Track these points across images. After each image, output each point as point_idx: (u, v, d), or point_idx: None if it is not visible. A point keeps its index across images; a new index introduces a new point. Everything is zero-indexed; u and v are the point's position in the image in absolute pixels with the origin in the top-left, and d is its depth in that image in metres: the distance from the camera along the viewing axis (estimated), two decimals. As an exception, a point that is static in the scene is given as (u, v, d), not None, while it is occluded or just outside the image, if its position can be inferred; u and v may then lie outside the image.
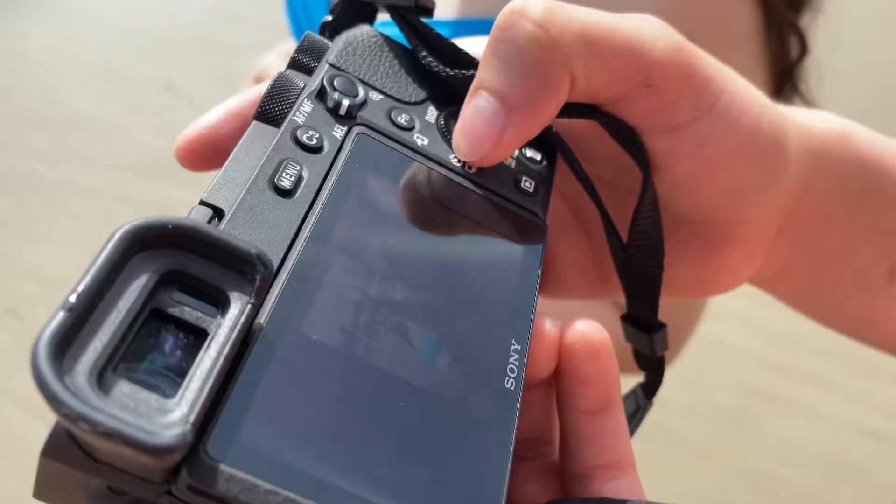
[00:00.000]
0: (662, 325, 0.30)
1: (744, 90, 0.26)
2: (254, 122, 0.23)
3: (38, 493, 0.17)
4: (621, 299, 0.31)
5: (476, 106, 0.24)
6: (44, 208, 1.06)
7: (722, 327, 0.84)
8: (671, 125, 0.25)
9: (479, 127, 0.24)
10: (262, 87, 0.25)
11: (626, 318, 0.30)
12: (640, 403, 0.32)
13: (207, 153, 0.26)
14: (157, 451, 0.14)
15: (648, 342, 0.30)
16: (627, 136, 0.26)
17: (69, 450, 0.15)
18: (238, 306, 0.16)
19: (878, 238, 0.31)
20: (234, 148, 0.25)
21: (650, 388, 0.32)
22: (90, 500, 0.16)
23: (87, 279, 0.15)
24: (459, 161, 0.24)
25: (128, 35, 1.28)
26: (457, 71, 0.26)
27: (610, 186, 0.28)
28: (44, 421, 0.66)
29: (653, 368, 0.31)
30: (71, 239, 1.02)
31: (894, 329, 0.34)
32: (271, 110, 0.23)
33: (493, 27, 0.24)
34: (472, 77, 0.25)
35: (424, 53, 0.26)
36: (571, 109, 0.25)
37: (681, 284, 0.29)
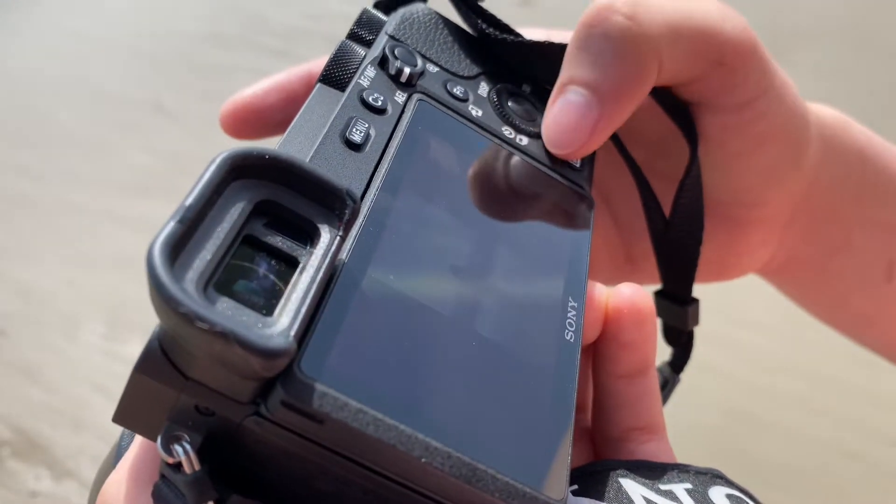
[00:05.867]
0: (696, 300, 0.30)
1: (784, 74, 0.28)
2: (318, 85, 0.24)
3: (119, 417, 0.17)
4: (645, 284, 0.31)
5: (567, 100, 0.25)
6: (29, 225, 1.05)
7: (704, 349, 0.84)
8: (738, 103, 0.27)
9: (573, 119, 0.24)
10: (309, 65, 0.27)
11: (659, 294, 0.31)
12: (667, 378, 0.33)
13: (250, 120, 0.28)
14: (269, 353, 0.14)
15: (682, 315, 0.31)
16: (680, 111, 0.27)
17: (162, 366, 0.16)
18: (328, 238, 0.17)
19: (877, 233, 0.32)
20: (277, 119, 0.27)
21: (678, 362, 0.33)
22: (174, 421, 0.16)
23: (195, 194, 0.15)
24: (511, 133, 0.26)
25: (116, 55, 1.29)
26: (510, 36, 0.28)
27: (645, 171, 0.29)
28: (28, 439, 0.65)
29: (682, 344, 0.32)
30: (56, 256, 1.01)
31: (893, 329, 0.35)
32: (336, 74, 0.24)
33: (580, 25, 0.25)
34: (524, 43, 0.27)
35: (479, 21, 0.28)
36: None
37: (704, 265, 0.30)
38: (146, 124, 1.16)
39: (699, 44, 0.25)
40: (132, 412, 0.17)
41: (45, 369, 0.89)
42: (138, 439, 0.19)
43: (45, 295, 0.96)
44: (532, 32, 0.29)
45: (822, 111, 0.31)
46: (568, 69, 0.25)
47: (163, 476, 0.16)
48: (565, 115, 0.24)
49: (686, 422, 0.83)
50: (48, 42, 1.31)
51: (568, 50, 0.25)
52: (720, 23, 0.25)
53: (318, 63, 0.28)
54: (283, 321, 0.15)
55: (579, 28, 0.25)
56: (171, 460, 0.16)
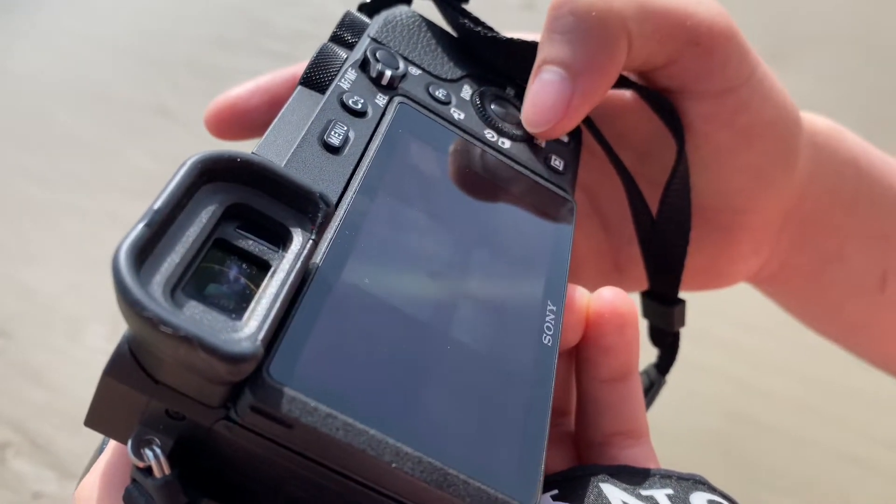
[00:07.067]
0: (682, 301, 0.30)
1: (769, 69, 0.28)
2: (299, 87, 0.24)
3: (90, 420, 0.17)
4: (633, 290, 0.31)
5: (542, 79, 0.25)
6: (32, 227, 1.06)
7: (704, 352, 0.84)
8: (719, 89, 0.27)
9: (549, 97, 0.25)
10: (295, 68, 0.28)
11: (646, 294, 0.31)
12: (653, 380, 0.33)
13: (234, 122, 0.28)
14: (233, 358, 0.14)
15: (668, 316, 0.31)
16: (665, 107, 0.27)
17: (131, 370, 0.16)
18: (300, 241, 0.17)
19: (870, 243, 0.32)
20: (261, 120, 0.27)
21: (664, 364, 0.33)
22: (145, 425, 0.16)
23: (163, 199, 0.15)
24: (493, 136, 0.26)
25: (120, 58, 1.29)
26: (493, 33, 0.28)
27: (633, 175, 0.29)
28: (31, 440, 0.65)
29: (668, 345, 0.32)
30: (61, 259, 1.02)
31: (885, 339, 0.34)
32: (316, 77, 0.24)
33: (549, 8, 0.25)
34: (508, 41, 0.27)
35: (464, 21, 0.28)
36: (617, 81, 0.26)
37: (696, 273, 0.30)
38: (150, 127, 1.16)
39: (668, 21, 0.25)
40: (103, 416, 0.17)
41: (49, 371, 0.90)
42: (112, 443, 0.19)
43: (49, 297, 0.96)
44: (532, 37, 0.29)
45: (814, 120, 0.30)
46: (542, 52, 0.25)
47: (134, 480, 0.16)
48: (541, 93, 0.25)
49: (685, 424, 0.83)
50: (51, 44, 1.32)
51: (541, 35, 0.25)
52: (692, 4, 0.26)
53: (304, 66, 0.28)
54: (252, 325, 0.15)
55: (549, 11, 0.25)
56: (141, 465, 0.16)
